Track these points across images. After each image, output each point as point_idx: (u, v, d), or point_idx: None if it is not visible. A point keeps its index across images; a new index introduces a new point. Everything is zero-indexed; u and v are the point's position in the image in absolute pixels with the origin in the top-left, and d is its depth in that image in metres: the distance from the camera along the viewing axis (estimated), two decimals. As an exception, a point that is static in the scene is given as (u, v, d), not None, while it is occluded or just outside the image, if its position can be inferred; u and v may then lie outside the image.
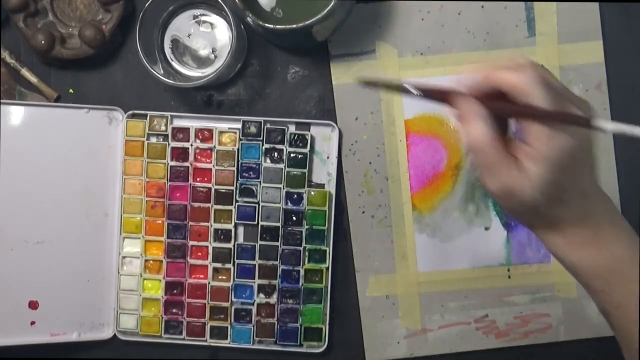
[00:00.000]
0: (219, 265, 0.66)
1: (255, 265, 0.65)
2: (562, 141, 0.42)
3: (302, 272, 0.65)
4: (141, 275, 0.66)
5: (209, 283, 0.66)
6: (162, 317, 0.66)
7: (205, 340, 0.66)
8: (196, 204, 0.66)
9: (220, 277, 0.66)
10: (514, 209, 0.45)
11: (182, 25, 0.65)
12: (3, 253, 0.64)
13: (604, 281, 0.46)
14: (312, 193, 0.65)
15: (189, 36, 0.65)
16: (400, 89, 0.46)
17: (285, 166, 0.65)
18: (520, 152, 0.43)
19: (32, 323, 0.65)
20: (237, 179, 0.65)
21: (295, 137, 0.65)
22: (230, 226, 0.65)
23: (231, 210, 0.65)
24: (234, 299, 0.66)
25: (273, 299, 0.66)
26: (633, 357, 0.46)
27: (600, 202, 0.46)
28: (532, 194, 0.43)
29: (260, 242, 0.65)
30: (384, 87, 0.51)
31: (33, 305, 0.65)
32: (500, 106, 0.44)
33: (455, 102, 0.45)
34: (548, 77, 0.44)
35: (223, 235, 0.66)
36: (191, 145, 0.65)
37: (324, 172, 0.66)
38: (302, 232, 0.65)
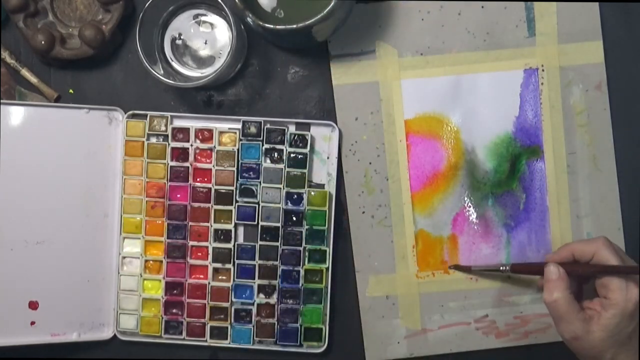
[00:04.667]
0: (219, 265, 0.66)
1: (255, 265, 0.65)
2: (633, 293, 0.54)
3: (302, 272, 0.65)
4: (141, 276, 0.66)
5: (209, 283, 0.66)
6: (162, 317, 0.66)
7: (205, 341, 0.66)
8: (196, 204, 0.66)
9: (220, 277, 0.66)
10: (580, 352, 0.57)
11: (182, 25, 0.65)
12: (3, 253, 0.64)
13: None
14: (312, 193, 0.65)
15: (180, 36, 0.65)
16: (494, 271, 0.64)
17: (285, 166, 0.65)
18: (593, 305, 0.57)
19: (32, 323, 0.65)
20: (237, 179, 0.65)
21: (295, 137, 0.65)
22: (230, 226, 0.65)
23: (231, 211, 0.65)
24: (234, 299, 0.66)
25: (273, 299, 0.65)
26: None
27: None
28: (601, 336, 0.55)
29: (260, 242, 0.65)
30: (477, 272, 0.66)
31: (33, 305, 0.65)
32: (579, 268, 0.58)
33: (547, 269, 0.58)
34: (614, 245, 0.57)
35: (223, 236, 0.66)
36: (191, 145, 0.65)
37: (324, 172, 0.66)
38: (302, 232, 0.65)
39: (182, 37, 0.65)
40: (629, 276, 0.55)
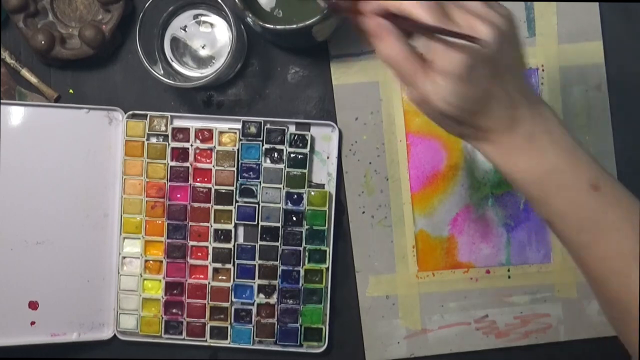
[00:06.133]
0: (219, 265, 0.66)
1: (255, 265, 0.65)
2: (458, 55, 0.42)
3: (302, 272, 0.65)
4: (141, 276, 0.66)
5: (209, 283, 0.66)
6: (162, 317, 0.66)
7: (205, 341, 0.66)
8: (196, 204, 0.66)
9: (220, 277, 0.66)
10: (436, 118, 0.45)
11: (182, 26, 0.65)
12: (3, 253, 0.64)
13: (540, 189, 0.46)
14: (312, 193, 0.65)
15: (185, 29, 0.65)
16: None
17: (285, 166, 0.65)
18: (430, 67, 0.43)
19: (32, 323, 0.65)
20: (237, 179, 0.65)
21: (295, 138, 0.65)
22: (230, 226, 0.65)
23: (231, 211, 0.65)
24: (234, 299, 0.66)
25: (273, 299, 0.66)
26: (579, 260, 0.47)
27: (534, 110, 0.45)
28: (443, 105, 0.43)
29: (260, 243, 0.65)
30: None
31: (33, 305, 0.65)
32: (400, 22, 0.43)
33: (365, 21, 0.45)
34: None
35: (223, 236, 0.66)
36: (191, 145, 0.65)
37: (324, 172, 0.66)
38: (302, 232, 0.65)
39: (186, 30, 0.65)
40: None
